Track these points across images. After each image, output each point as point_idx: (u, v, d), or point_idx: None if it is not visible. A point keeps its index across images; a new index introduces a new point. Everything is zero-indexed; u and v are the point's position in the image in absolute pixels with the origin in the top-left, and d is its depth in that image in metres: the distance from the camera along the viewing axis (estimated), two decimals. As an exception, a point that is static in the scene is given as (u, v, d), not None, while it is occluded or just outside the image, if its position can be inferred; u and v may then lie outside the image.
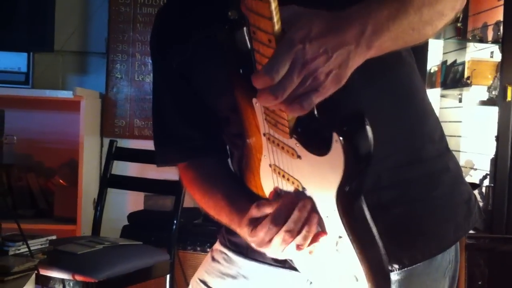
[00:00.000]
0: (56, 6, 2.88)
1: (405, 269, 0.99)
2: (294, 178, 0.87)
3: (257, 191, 0.97)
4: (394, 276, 0.99)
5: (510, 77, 3.09)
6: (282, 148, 0.85)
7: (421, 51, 3.39)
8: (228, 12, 0.81)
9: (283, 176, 0.89)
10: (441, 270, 1.04)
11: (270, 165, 0.91)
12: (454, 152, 1.12)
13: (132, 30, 3.06)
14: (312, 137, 0.81)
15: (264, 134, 0.88)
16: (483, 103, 3.37)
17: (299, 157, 0.83)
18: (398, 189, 1.00)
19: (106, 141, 2.92)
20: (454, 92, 3.86)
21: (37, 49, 2.82)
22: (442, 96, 4.03)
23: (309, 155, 0.82)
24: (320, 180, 0.83)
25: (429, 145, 1.05)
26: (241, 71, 0.85)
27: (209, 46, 0.99)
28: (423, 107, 1.07)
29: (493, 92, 3.29)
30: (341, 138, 0.76)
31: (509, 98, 3.07)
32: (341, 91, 0.79)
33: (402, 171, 1.00)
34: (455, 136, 3.81)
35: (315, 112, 0.81)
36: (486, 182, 2.97)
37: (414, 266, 1.00)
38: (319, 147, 0.80)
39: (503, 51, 3.15)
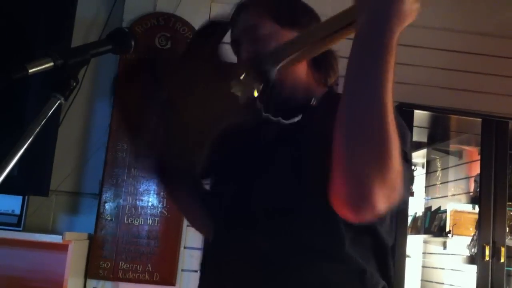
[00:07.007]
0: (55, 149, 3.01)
1: None
2: None
3: None
4: None
5: (487, 237, 3.16)
6: None
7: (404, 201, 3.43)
8: None
9: None
10: None
11: None
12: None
13: (126, 175, 3.18)
14: None
15: None
16: (464, 260, 3.42)
17: None
18: None
19: (89, 282, 2.96)
20: (438, 240, 3.91)
21: (32, 193, 2.91)
22: (426, 242, 4.08)
23: None
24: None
25: None
26: None
27: None
28: None
29: (473, 250, 3.34)
30: None
31: (487, 258, 3.13)
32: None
33: None
34: (438, 283, 3.83)
35: None
36: None
37: None
38: None
39: (480, 212, 3.24)
